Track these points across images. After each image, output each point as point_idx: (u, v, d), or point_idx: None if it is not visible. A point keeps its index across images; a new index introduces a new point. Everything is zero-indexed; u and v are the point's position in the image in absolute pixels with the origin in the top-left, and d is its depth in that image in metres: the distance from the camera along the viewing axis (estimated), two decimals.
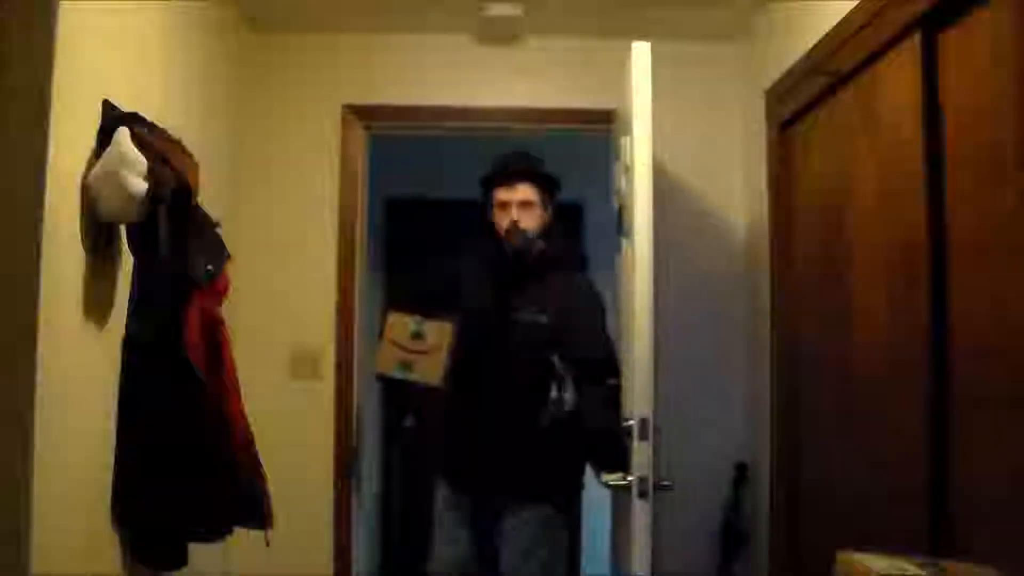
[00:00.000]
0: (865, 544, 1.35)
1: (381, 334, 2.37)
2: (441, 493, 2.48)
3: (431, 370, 2.28)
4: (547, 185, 2.48)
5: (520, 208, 2.41)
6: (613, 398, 2.32)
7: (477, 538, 2.41)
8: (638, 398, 2.10)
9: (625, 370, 2.31)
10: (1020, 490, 1.36)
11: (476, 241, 2.55)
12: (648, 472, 2.05)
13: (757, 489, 2.66)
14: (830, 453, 2.11)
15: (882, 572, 1.21)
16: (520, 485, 2.36)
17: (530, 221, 2.42)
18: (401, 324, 2.33)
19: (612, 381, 2.36)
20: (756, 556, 2.64)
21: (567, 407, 2.27)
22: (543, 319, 2.36)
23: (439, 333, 2.30)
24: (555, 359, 2.31)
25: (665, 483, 2.12)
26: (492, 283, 2.45)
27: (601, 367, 2.36)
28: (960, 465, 1.54)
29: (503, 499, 2.39)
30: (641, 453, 2.07)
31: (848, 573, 1.28)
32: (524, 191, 2.43)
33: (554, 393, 2.29)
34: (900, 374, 1.73)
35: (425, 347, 2.29)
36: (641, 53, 2.21)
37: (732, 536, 2.71)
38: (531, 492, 2.36)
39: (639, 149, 2.18)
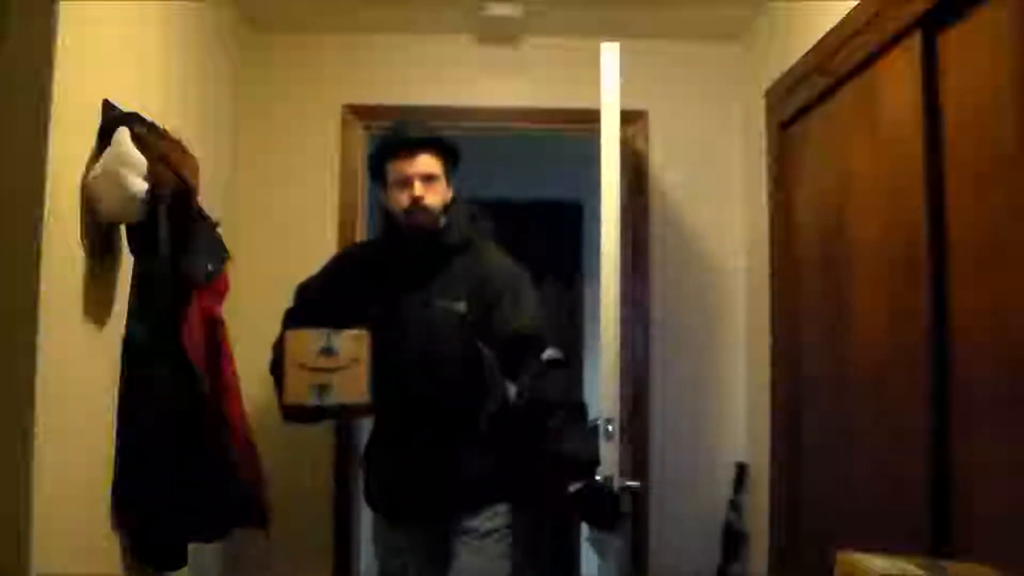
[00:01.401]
0: (865, 544, 1.35)
1: (278, 361, 2.06)
2: (374, 522, 2.21)
3: (353, 387, 1.99)
4: (449, 156, 2.15)
5: (423, 182, 2.07)
6: (547, 374, 2.03)
7: (427, 562, 2.14)
8: (605, 399, 2.08)
9: (599, 371, 2.22)
10: (1020, 490, 1.36)
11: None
12: (615, 472, 2.03)
13: (757, 489, 2.66)
14: (830, 453, 2.11)
15: (882, 572, 1.21)
16: (469, 497, 2.08)
17: (435, 197, 2.09)
18: (305, 342, 2.01)
19: (549, 354, 2.04)
20: (756, 556, 2.64)
21: (503, 399, 2.04)
22: (459, 307, 2.07)
23: (355, 343, 2.01)
24: (485, 352, 2.05)
25: (631, 484, 2.10)
26: (394, 277, 2.14)
27: (533, 343, 2.05)
28: (961, 465, 1.54)
29: (452, 517, 2.10)
30: (608, 453, 2.04)
31: (848, 573, 1.28)
32: (427, 163, 2.08)
33: (492, 395, 2.05)
34: (900, 374, 1.73)
35: (340, 362, 1.99)
36: (610, 54, 2.20)
37: (732, 536, 2.71)
38: (482, 500, 2.09)
39: (607, 148, 2.17)
